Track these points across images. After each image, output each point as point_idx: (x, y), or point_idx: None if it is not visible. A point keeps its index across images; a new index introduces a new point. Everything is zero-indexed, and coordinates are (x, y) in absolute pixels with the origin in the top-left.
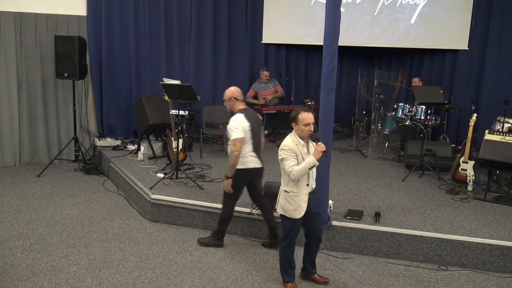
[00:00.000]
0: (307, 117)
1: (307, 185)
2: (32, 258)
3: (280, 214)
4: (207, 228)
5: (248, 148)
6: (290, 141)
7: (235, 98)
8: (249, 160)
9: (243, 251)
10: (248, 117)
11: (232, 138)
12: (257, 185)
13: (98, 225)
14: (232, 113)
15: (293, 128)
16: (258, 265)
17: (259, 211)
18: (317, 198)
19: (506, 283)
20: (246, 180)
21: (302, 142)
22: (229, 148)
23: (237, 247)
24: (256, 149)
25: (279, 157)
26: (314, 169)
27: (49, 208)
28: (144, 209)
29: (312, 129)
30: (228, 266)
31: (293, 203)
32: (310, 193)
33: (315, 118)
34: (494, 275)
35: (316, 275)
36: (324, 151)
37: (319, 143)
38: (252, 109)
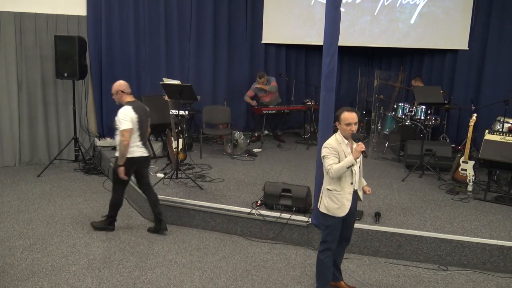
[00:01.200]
0: (349, 116)
1: (351, 183)
2: (32, 258)
3: (322, 213)
4: (207, 228)
5: (135, 138)
6: (334, 140)
7: (122, 91)
8: (136, 150)
9: (243, 251)
10: (135, 109)
11: (120, 129)
12: (143, 173)
13: None
14: (121, 105)
15: (337, 128)
16: (258, 265)
17: (257, 210)
18: (356, 199)
19: (506, 283)
20: (133, 168)
21: (346, 141)
22: (118, 138)
23: (237, 247)
24: (143, 139)
25: (321, 155)
26: (357, 169)
27: (49, 208)
28: (144, 209)
29: (354, 129)
30: (228, 266)
31: (336, 201)
32: (354, 193)
33: (315, 118)
34: (494, 275)
35: (342, 283)
36: (363, 151)
37: (359, 143)
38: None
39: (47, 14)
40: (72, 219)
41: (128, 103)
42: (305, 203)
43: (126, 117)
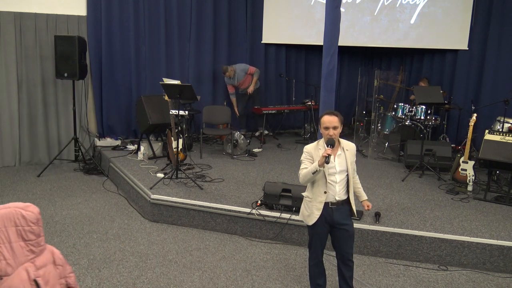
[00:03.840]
0: (326, 120)
1: (325, 192)
2: None
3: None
4: (207, 228)
5: None
6: (314, 145)
7: None
8: None
9: (243, 251)
10: None
11: None
12: None
13: (98, 225)
14: None
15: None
16: (258, 265)
17: (257, 210)
18: (346, 211)
19: (506, 283)
20: None
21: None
22: None
23: (237, 247)
24: None
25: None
26: (339, 179)
27: (49, 208)
28: (144, 209)
29: (332, 134)
30: (228, 266)
31: (307, 208)
32: (334, 204)
33: (315, 118)
34: (494, 275)
35: None
36: (326, 156)
37: (327, 148)
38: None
39: (47, 14)
40: (72, 219)
41: None
42: None
43: None
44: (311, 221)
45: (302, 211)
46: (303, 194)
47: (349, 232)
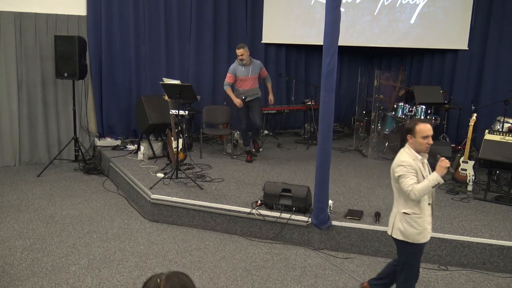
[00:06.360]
0: (425, 128)
1: (429, 204)
2: (32, 258)
3: (399, 241)
4: (207, 228)
5: None
6: (408, 156)
7: None
8: None
9: (243, 251)
10: None
11: None
12: None
13: (98, 225)
14: None
15: (407, 141)
16: (258, 265)
17: (257, 210)
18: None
19: (506, 283)
20: None
21: (420, 156)
22: None
23: (237, 247)
24: None
25: (396, 174)
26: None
27: (49, 208)
28: (144, 209)
29: (431, 142)
30: (228, 266)
31: (417, 226)
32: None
33: (315, 118)
34: (494, 275)
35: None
36: (448, 167)
37: (442, 158)
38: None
39: (47, 14)
40: (72, 219)
41: None
42: (305, 203)
43: None
44: (425, 238)
45: (406, 230)
46: (404, 211)
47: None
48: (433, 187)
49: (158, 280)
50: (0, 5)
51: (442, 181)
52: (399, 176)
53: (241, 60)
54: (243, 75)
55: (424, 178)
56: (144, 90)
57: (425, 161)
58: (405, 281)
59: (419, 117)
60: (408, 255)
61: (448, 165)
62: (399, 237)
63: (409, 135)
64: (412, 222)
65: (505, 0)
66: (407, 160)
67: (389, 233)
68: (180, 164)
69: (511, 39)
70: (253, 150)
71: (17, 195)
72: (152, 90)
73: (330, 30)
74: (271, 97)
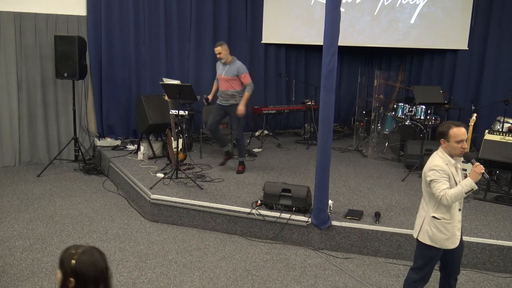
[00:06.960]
0: (459, 132)
1: (459, 210)
2: (32, 258)
3: (423, 244)
4: (207, 228)
5: None
6: (441, 160)
7: None
8: None
9: (243, 251)
10: None
11: None
12: None
13: (98, 225)
14: None
15: (440, 144)
16: (258, 265)
17: (257, 210)
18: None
19: (506, 283)
20: None
21: (453, 161)
22: None
23: (237, 247)
24: None
25: (427, 178)
26: None
27: (49, 208)
28: (144, 209)
29: (466, 146)
30: (228, 266)
31: (446, 231)
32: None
33: (315, 118)
34: (494, 275)
35: None
36: (483, 173)
37: (476, 163)
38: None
39: (47, 14)
40: (72, 219)
41: None
42: (305, 203)
43: None
44: (453, 244)
45: (434, 235)
46: (435, 215)
47: (462, 243)
48: (466, 193)
49: (73, 251)
50: (0, 5)
51: (476, 187)
52: (431, 181)
53: (219, 58)
54: (218, 73)
55: (456, 183)
56: (144, 90)
57: (459, 165)
58: (416, 281)
59: (419, 117)
60: (427, 258)
61: (483, 170)
62: (427, 241)
63: (443, 139)
64: (441, 227)
65: (505, 0)
66: (440, 165)
67: (415, 236)
68: (180, 164)
69: (511, 39)
70: (234, 157)
71: (17, 195)
72: (152, 90)
73: (330, 30)
74: (240, 106)
